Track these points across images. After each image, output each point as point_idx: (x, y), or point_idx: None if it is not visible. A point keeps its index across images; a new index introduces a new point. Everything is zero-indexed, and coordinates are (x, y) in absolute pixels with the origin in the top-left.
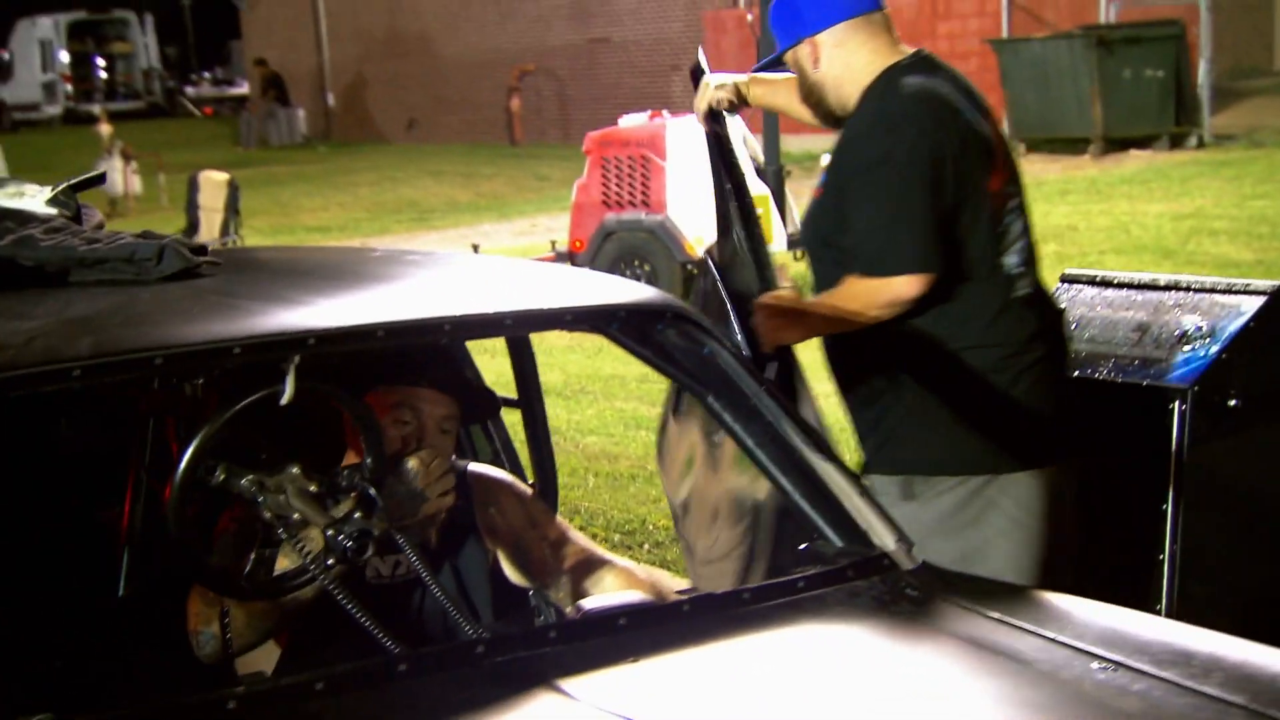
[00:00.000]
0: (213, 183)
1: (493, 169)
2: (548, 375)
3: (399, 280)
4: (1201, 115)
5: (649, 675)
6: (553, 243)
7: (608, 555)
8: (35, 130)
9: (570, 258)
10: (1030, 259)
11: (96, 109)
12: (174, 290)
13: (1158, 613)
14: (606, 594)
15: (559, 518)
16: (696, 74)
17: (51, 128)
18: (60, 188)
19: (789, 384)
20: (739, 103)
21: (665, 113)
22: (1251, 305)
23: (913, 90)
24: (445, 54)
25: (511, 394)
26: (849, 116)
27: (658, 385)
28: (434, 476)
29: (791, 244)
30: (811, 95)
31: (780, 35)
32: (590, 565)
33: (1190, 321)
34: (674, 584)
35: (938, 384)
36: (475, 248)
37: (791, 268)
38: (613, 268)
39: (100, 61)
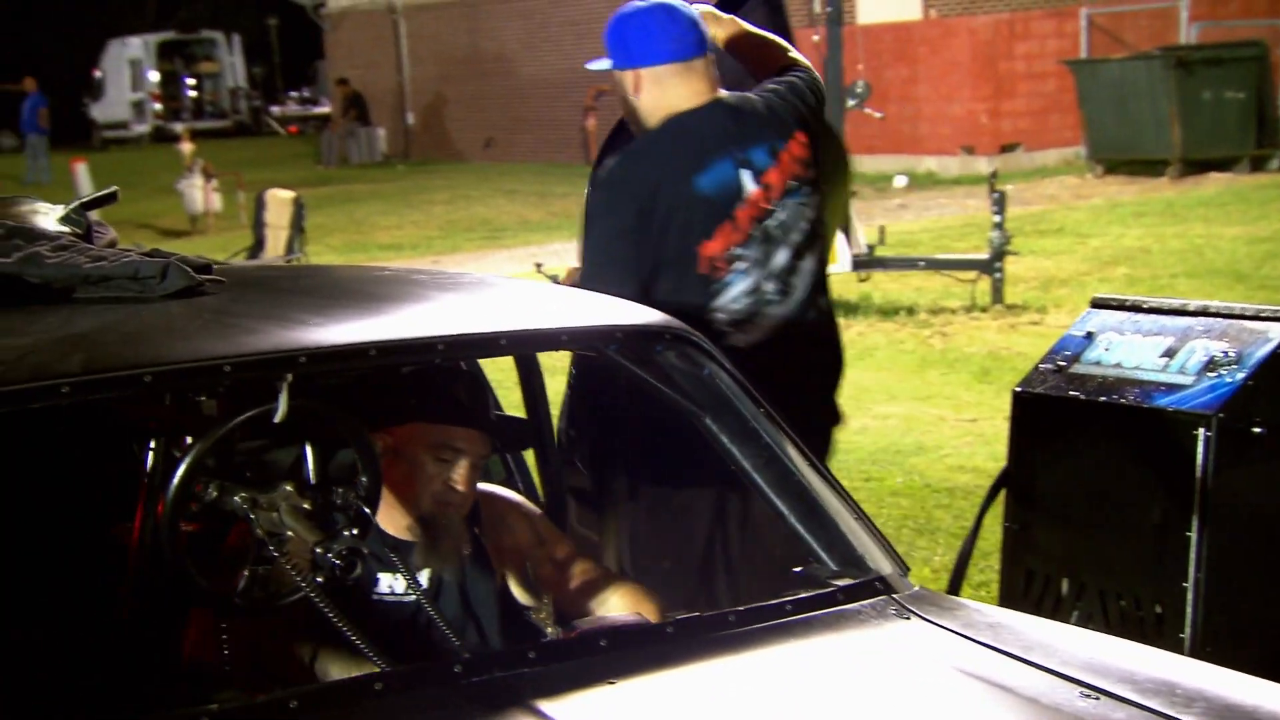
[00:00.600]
0: (279, 200)
1: (566, 188)
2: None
3: (399, 300)
4: None
5: (628, 697)
6: None
7: (615, 574)
8: (124, 148)
9: None
10: (755, 311)
11: (181, 128)
12: (175, 308)
13: (1182, 641)
14: (607, 614)
15: (567, 537)
16: None
17: (140, 146)
18: (72, 205)
19: None
20: None
21: None
22: (1279, 332)
23: (636, 147)
24: (523, 74)
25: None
26: None
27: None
28: (462, 513)
29: (857, 264)
30: (628, 114)
31: (612, 55)
32: (597, 584)
33: (1217, 348)
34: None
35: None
36: (538, 266)
37: (858, 288)
38: None
39: (188, 81)
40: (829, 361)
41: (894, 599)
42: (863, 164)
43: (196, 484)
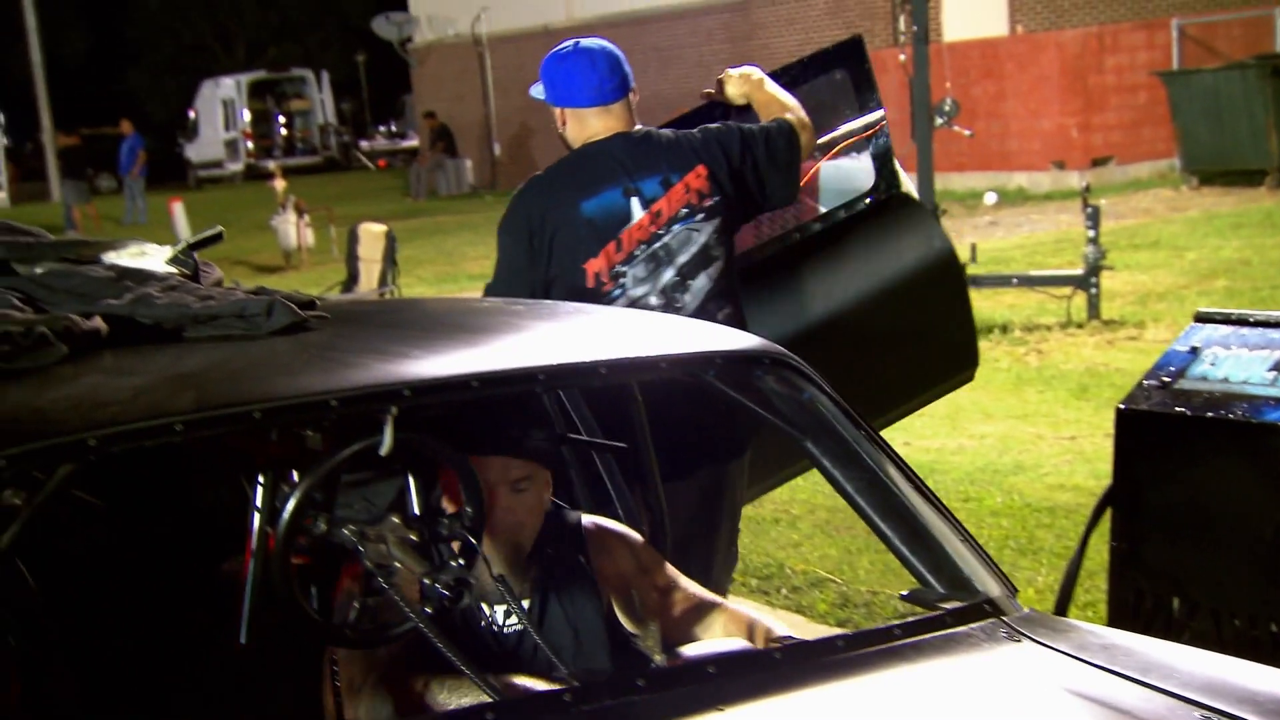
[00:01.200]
0: (371, 234)
1: None
2: None
3: (499, 331)
4: None
5: None
6: None
7: (718, 599)
8: (218, 187)
9: None
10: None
11: (273, 165)
12: (281, 344)
13: None
14: (713, 640)
15: (668, 565)
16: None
17: (233, 184)
18: (180, 246)
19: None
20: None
21: (816, 154)
22: None
23: (540, 176)
24: None
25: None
26: None
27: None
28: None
29: None
30: (560, 137)
31: (545, 91)
32: (701, 610)
33: None
34: (790, 628)
35: None
36: None
37: None
38: None
39: (280, 119)
40: None
41: (1004, 621)
42: (951, 181)
43: (306, 518)
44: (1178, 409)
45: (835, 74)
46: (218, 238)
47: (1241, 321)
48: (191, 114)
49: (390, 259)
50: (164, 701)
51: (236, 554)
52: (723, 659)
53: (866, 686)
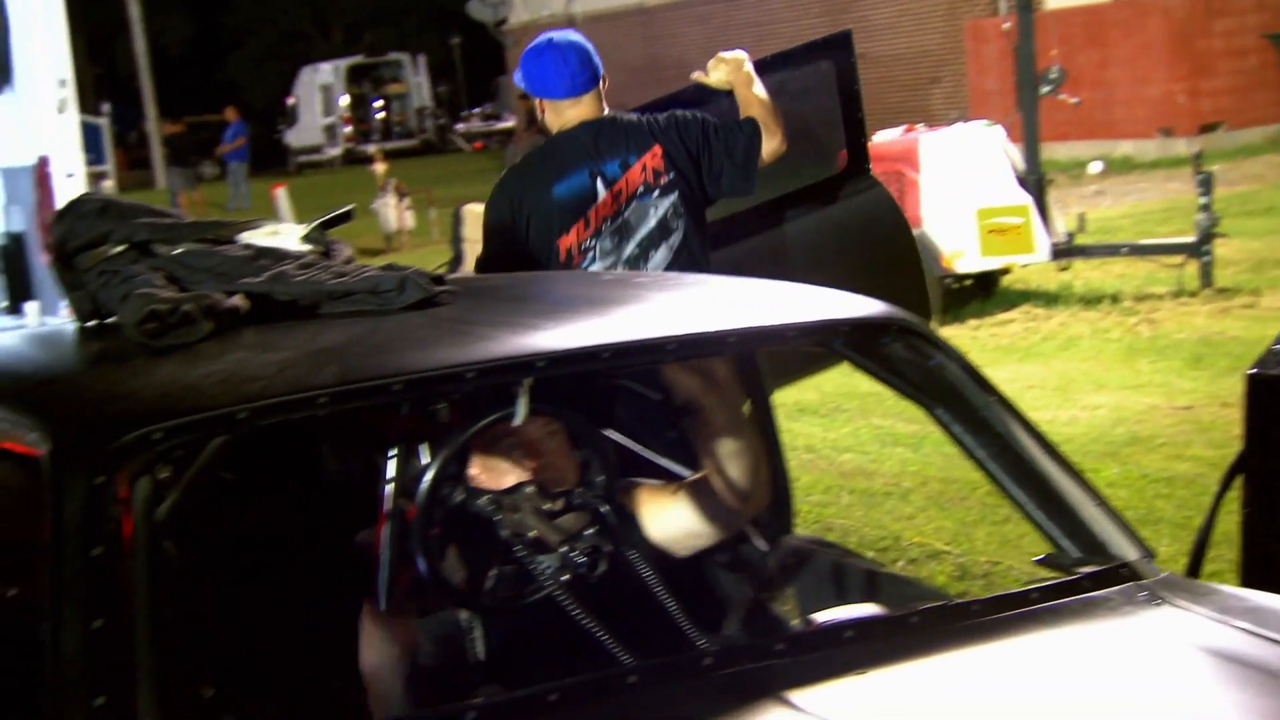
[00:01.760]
0: (475, 215)
1: None
2: (804, 394)
3: (626, 303)
4: None
5: (877, 687)
6: None
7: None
8: (318, 172)
9: None
10: None
11: (373, 149)
12: (414, 319)
13: None
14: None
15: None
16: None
17: (332, 169)
18: (312, 225)
19: None
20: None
21: (920, 126)
22: None
23: (521, 163)
24: None
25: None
26: None
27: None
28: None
29: (1056, 253)
30: (539, 124)
31: (524, 82)
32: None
33: None
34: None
35: None
36: None
37: (1057, 278)
38: None
39: (376, 103)
40: None
41: (1142, 585)
42: (1055, 151)
43: (444, 488)
44: None
45: (822, 64)
46: (348, 216)
47: None
48: (290, 100)
49: None
50: (303, 672)
51: (368, 526)
52: (861, 623)
53: (1005, 650)
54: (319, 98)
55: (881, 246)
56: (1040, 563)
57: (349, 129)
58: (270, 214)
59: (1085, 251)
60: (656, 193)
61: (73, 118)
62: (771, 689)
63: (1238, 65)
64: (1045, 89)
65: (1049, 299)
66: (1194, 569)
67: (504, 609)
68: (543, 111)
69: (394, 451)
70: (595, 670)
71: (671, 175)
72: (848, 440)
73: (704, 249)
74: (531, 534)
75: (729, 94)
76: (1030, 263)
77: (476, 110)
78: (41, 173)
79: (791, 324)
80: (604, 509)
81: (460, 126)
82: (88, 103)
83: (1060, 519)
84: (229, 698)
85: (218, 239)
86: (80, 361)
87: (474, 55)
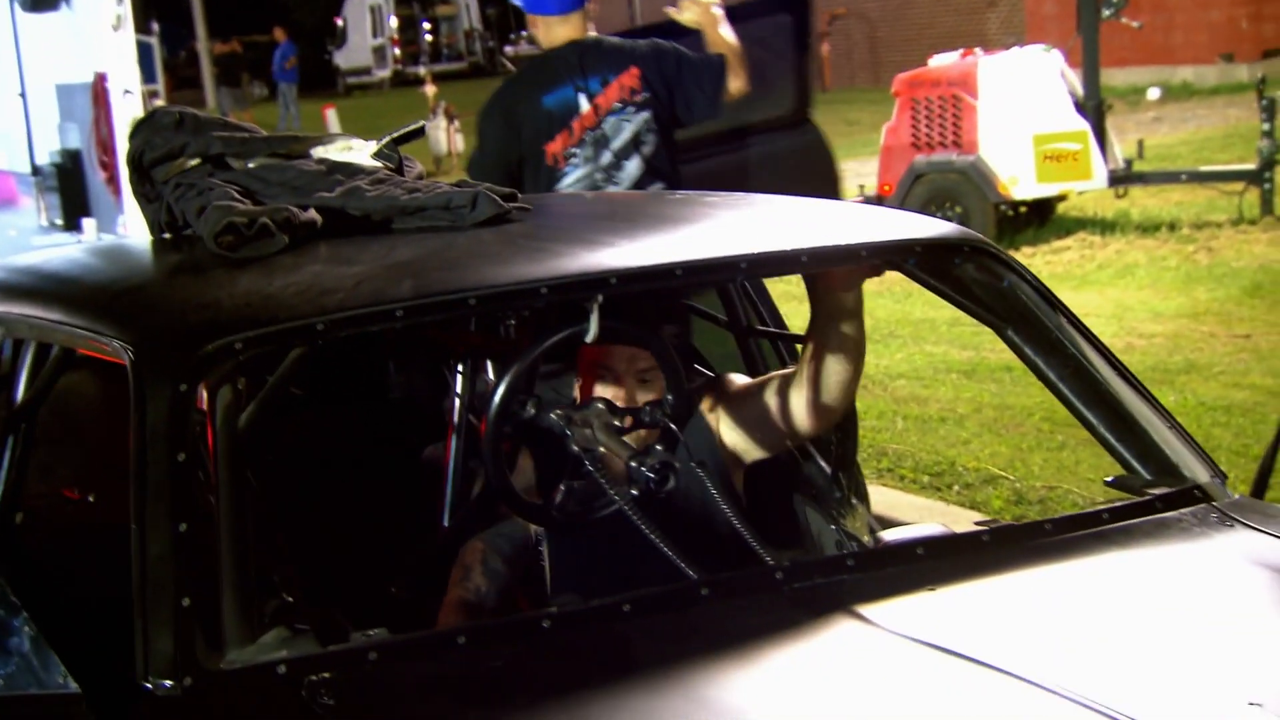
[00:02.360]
0: None
1: None
2: None
3: (696, 221)
4: None
5: (948, 603)
6: (861, 187)
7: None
8: (366, 94)
9: (879, 201)
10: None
11: (422, 71)
12: (486, 235)
13: None
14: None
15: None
16: None
17: (381, 91)
18: (384, 141)
19: None
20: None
21: (978, 51)
22: None
23: (514, 74)
24: None
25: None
26: None
27: (969, 328)
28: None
29: (1114, 180)
30: (534, 39)
31: (521, 1)
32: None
33: None
34: None
35: None
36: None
37: (1114, 205)
38: (923, 210)
39: (426, 25)
40: None
41: (1214, 507)
42: (1113, 77)
43: (515, 402)
44: None
45: (782, 16)
46: (420, 132)
47: None
48: (339, 21)
49: None
50: (370, 585)
51: (436, 441)
52: (931, 540)
53: (1076, 569)
54: (368, 19)
55: (811, 180)
56: (1111, 484)
57: (398, 50)
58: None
59: (1143, 179)
60: (632, 109)
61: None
62: (843, 603)
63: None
64: (1107, 12)
65: (1105, 226)
66: (1258, 493)
67: (573, 523)
68: (535, 27)
69: (462, 367)
70: (666, 584)
71: (646, 95)
72: (901, 366)
73: (673, 163)
74: (600, 450)
75: (699, 32)
76: (1087, 189)
77: (525, 33)
78: (99, 89)
79: (866, 243)
80: (672, 426)
81: (509, 49)
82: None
83: (1132, 441)
84: (307, 605)
85: (290, 154)
86: (159, 272)
87: None
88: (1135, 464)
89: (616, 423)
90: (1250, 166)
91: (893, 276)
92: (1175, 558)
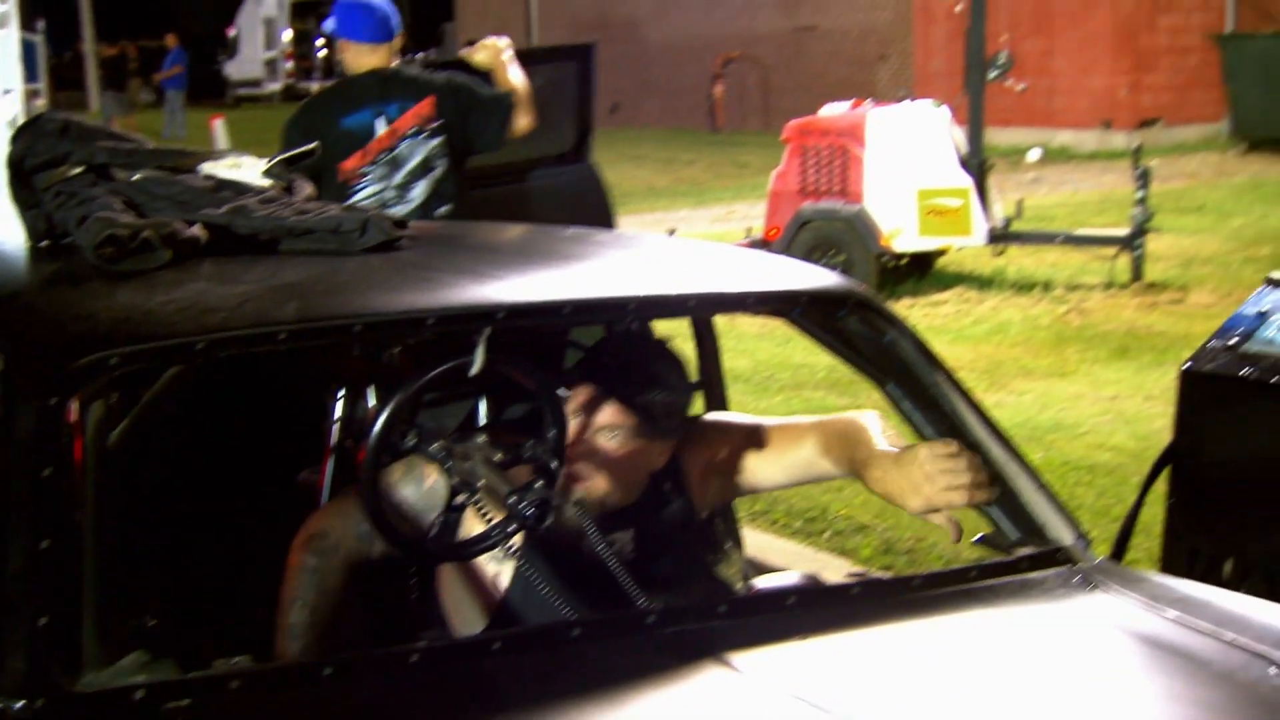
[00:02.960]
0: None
1: (693, 155)
2: (736, 361)
3: (587, 259)
4: None
5: (816, 653)
6: (748, 230)
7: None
8: (257, 106)
9: (765, 245)
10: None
11: (315, 87)
12: (375, 261)
13: None
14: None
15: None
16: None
17: (272, 104)
18: (275, 160)
19: None
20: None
21: (868, 102)
22: None
23: (318, 94)
24: (651, 39)
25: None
26: None
27: (846, 376)
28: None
29: (992, 238)
30: (338, 63)
31: (334, 24)
32: (786, 434)
33: None
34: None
35: None
36: (671, 232)
37: (992, 263)
38: (807, 256)
39: (320, 40)
40: None
41: (1077, 569)
42: (995, 136)
43: (396, 431)
44: (1243, 372)
45: (569, 65)
46: (312, 153)
47: None
48: (232, 31)
49: None
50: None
51: (311, 465)
52: (802, 591)
53: (942, 626)
54: (261, 31)
55: (586, 213)
56: (979, 542)
57: (290, 64)
58: (207, 144)
59: (1021, 238)
60: (425, 135)
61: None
62: (711, 649)
63: (1179, 63)
64: (993, 74)
65: (983, 283)
66: (1117, 556)
67: (448, 557)
68: (343, 52)
69: (343, 392)
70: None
71: (439, 123)
72: (780, 410)
73: (461, 186)
74: (480, 483)
75: (487, 75)
76: (967, 245)
77: (420, 55)
78: None
79: (751, 292)
80: (554, 464)
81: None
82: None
83: (1002, 500)
84: (169, 628)
85: (178, 168)
86: (34, 281)
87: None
88: (1004, 522)
89: (499, 457)
90: (1123, 232)
91: (775, 321)
92: (1038, 619)
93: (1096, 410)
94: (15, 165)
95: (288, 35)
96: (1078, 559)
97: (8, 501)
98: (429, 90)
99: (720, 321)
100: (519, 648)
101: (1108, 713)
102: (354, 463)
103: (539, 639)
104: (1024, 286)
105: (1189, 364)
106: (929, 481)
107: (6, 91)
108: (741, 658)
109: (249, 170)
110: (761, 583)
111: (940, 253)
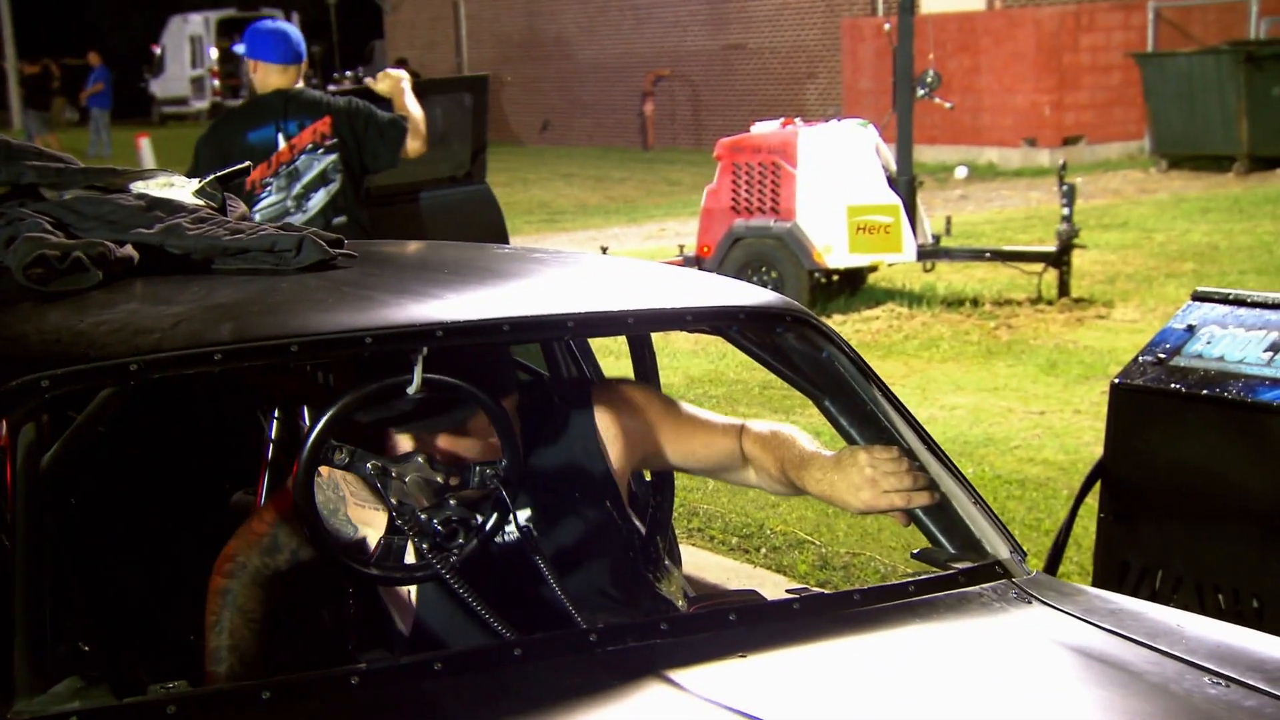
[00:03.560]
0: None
1: (624, 172)
2: (671, 377)
3: (524, 276)
4: None
5: (758, 670)
6: (680, 247)
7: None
8: (183, 124)
9: (698, 263)
10: (277, 216)
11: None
12: (311, 281)
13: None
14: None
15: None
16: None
17: (198, 121)
18: (207, 179)
19: None
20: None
21: (798, 120)
22: None
23: (229, 111)
24: (581, 57)
25: None
26: None
27: (780, 391)
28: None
29: (922, 254)
30: (249, 84)
31: (245, 47)
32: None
33: None
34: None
35: None
36: (604, 250)
37: (922, 278)
38: (740, 274)
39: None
40: None
41: (1013, 583)
42: (922, 154)
43: (329, 449)
44: (1173, 385)
45: (465, 95)
46: (245, 172)
47: (1238, 302)
48: (157, 49)
49: None
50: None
51: (247, 486)
52: (743, 608)
53: (882, 641)
54: (187, 49)
55: (479, 228)
56: (917, 557)
57: (217, 83)
58: (133, 163)
59: (950, 254)
60: (321, 150)
61: None
62: (653, 667)
63: (1102, 81)
64: (921, 92)
65: (913, 299)
66: (1051, 570)
67: (391, 580)
68: (254, 71)
69: (278, 412)
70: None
71: (335, 140)
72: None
73: (357, 198)
74: (417, 504)
75: (388, 102)
76: (897, 262)
77: (350, 73)
78: None
79: (688, 308)
80: (502, 490)
81: (332, 88)
82: None
83: (938, 515)
84: (104, 653)
85: (108, 187)
86: None
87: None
88: (941, 537)
89: (439, 479)
90: (1050, 249)
91: (710, 337)
92: (976, 632)
93: (1026, 425)
94: None
95: (214, 53)
96: (1014, 573)
97: None
98: (327, 110)
99: (655, 338)
100: (462, 668)
101: None
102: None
103: (481, 659)
104: (953, 302)
105: (1119, 378)
106: (870, 485)
107: None
108: (685, 675)
109: (181, 189)
110: (702, 600)
111: (871, 269)
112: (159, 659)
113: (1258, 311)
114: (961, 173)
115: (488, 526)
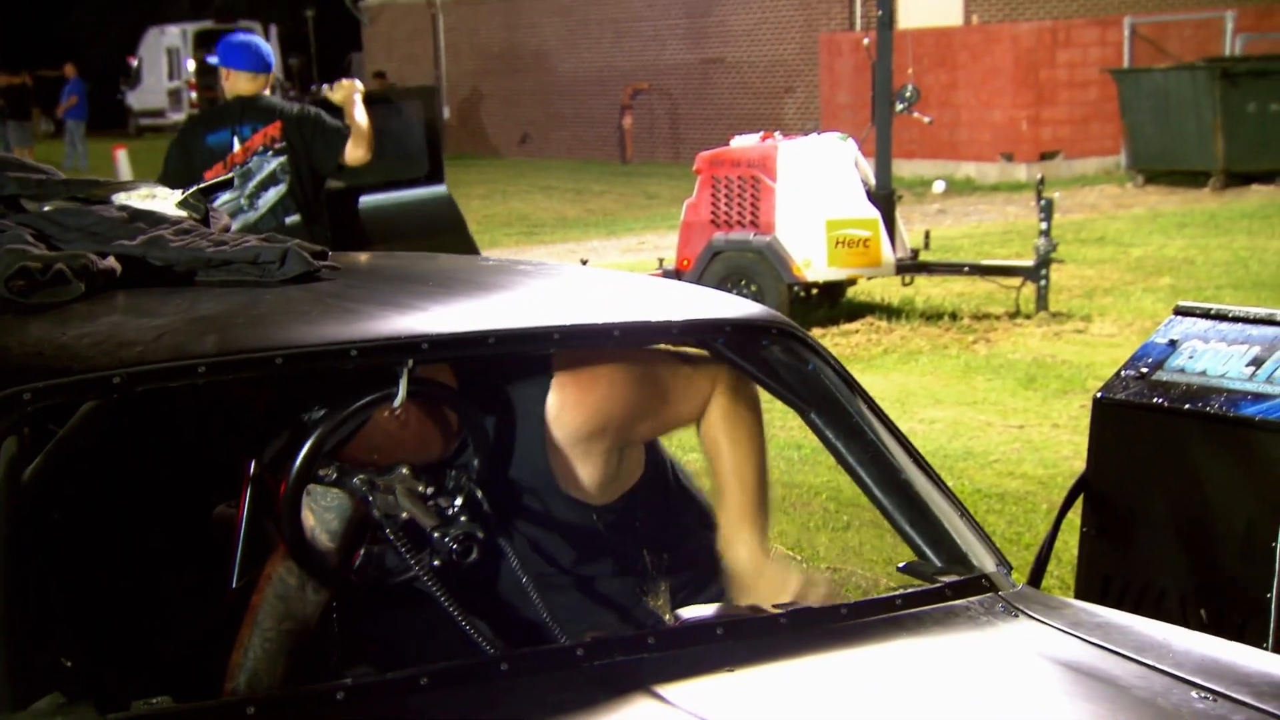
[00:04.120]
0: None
1: (603, 186)
2: None
3: (509, 288)
4: None
5: (745, 685)
6: (660, 260)
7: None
8: (160, 135)
9: (677, 276)
10: (231, 213)
11: None
12: (295, 293)
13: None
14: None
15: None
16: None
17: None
18: (190, 191)
19: None
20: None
21: (777, 134)
22: None
23: (194, 116)
24: (560, 70)
25: None
26: None
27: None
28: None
29: (901, 268)
30: (221, 91)
31: (219, 56)
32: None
33: None
34: None
35: None
36: (584, 262)
37: (900, 292)
38: (719, 287)
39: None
40: None
41: (1000, 596)
42: (900, 168)
43: (317, 465)
44: (1155, 400)
45: (414, 103)
46: (229, 184)
47: (1221, 316)
48: (134, 61)
49: None
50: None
51: (228, 500)
52: (730, 622)
53: (871, 654)
54: (164, 61)
55: (440, 228)
56: (903, 570)
57: (194, 95)
58: (111, 175)
59: (928, 268)
60: (271, 153)
61: None
62: (641, 682)
63: (1078, 97)
64: (900, 106)
65: (892, 313)
66: (1034, 583)
67: (371, 591)
68: (225, 79)
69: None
70: (466, 656)
71: (284, 144)
72: (692, 440)
73: (310, 198)
74: (404, 516)
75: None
76: (876, 275)
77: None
78: None
79: (674, 320)
80: (478, 494)
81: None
82: None
83: (924, 528)
84: (86, 668)
85: (90, 199)
86: None
87: (328, 29)
88: (927, 550)
89: (421, 488)
90: (1028, 263)
91: (692, 350)
92: (964, 646)
93: (1005, 439)
94: None
95: (191, 65)
96: (1000, 586)
97: None
98: (279, 116)
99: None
100: (448, 683)
101: None
102: (273, 496)
103: (468, 674)
104: (932, 316)
105: (1101, 393)
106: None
107: None
108: (672, 689)
109: (164, 201)
110: (689, 614)
111: (850, 282)
112: (142, 674)
113: (1240, 326)
114: (939, 187)
115: (480, 535)
